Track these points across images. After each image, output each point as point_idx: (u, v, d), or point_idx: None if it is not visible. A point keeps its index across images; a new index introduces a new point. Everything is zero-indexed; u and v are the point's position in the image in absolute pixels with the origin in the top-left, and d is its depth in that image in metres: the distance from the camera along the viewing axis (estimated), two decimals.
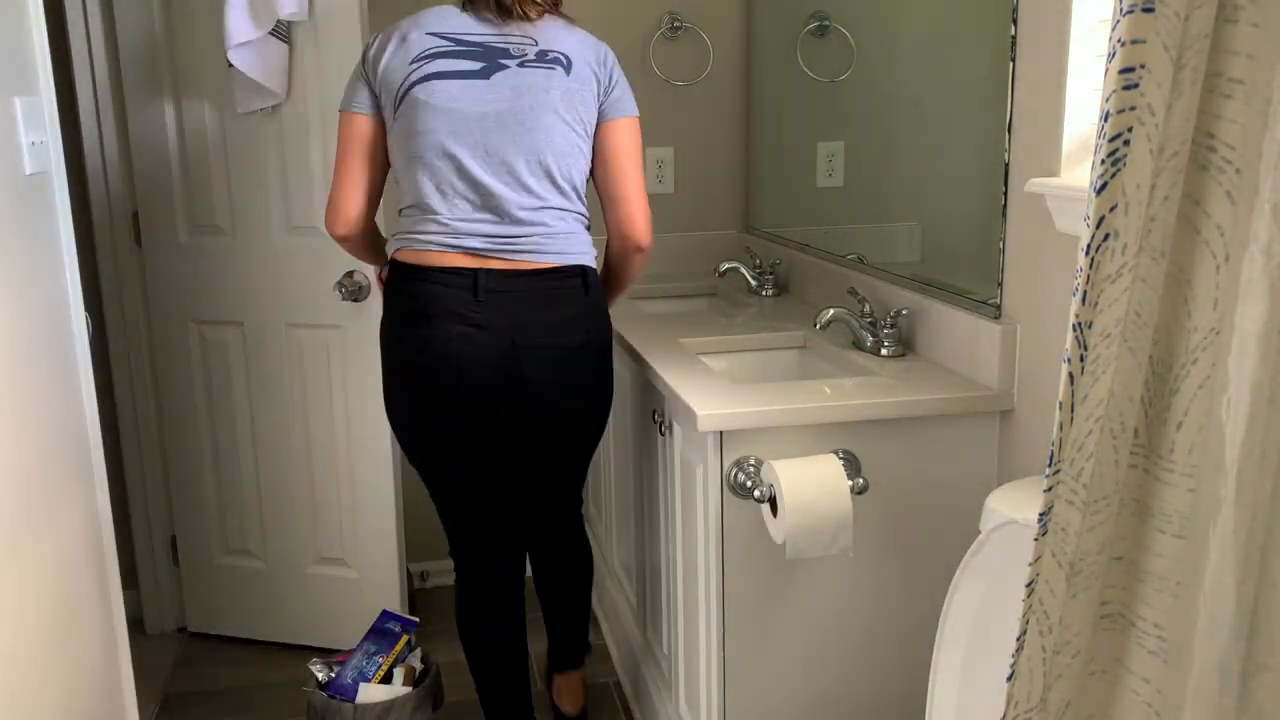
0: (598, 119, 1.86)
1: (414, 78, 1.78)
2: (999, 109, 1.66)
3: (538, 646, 2.63)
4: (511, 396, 1.84)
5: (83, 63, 2.47)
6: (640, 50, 2.82)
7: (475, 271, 1.79)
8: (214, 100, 2.41)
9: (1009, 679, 0.99)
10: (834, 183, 2.42)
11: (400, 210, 1.87)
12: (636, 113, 1.89)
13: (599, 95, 1.85)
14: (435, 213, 1.80)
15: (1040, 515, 0.95)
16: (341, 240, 1.91)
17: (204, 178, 2.46)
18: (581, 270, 1.86)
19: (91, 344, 1.72)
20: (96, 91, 2.49)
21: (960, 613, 1.36)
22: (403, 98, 1.79)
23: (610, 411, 2.03)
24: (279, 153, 2.40)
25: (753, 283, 2.62)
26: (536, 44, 1.81)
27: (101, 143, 2.51)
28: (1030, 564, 0.96)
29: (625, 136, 1.88)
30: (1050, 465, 0.93)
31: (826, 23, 2.38)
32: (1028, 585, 0.97)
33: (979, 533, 1.34)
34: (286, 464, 2.56)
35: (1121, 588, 0.96)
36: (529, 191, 1.80)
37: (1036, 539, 0.96)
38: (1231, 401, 0.82)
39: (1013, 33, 1.62)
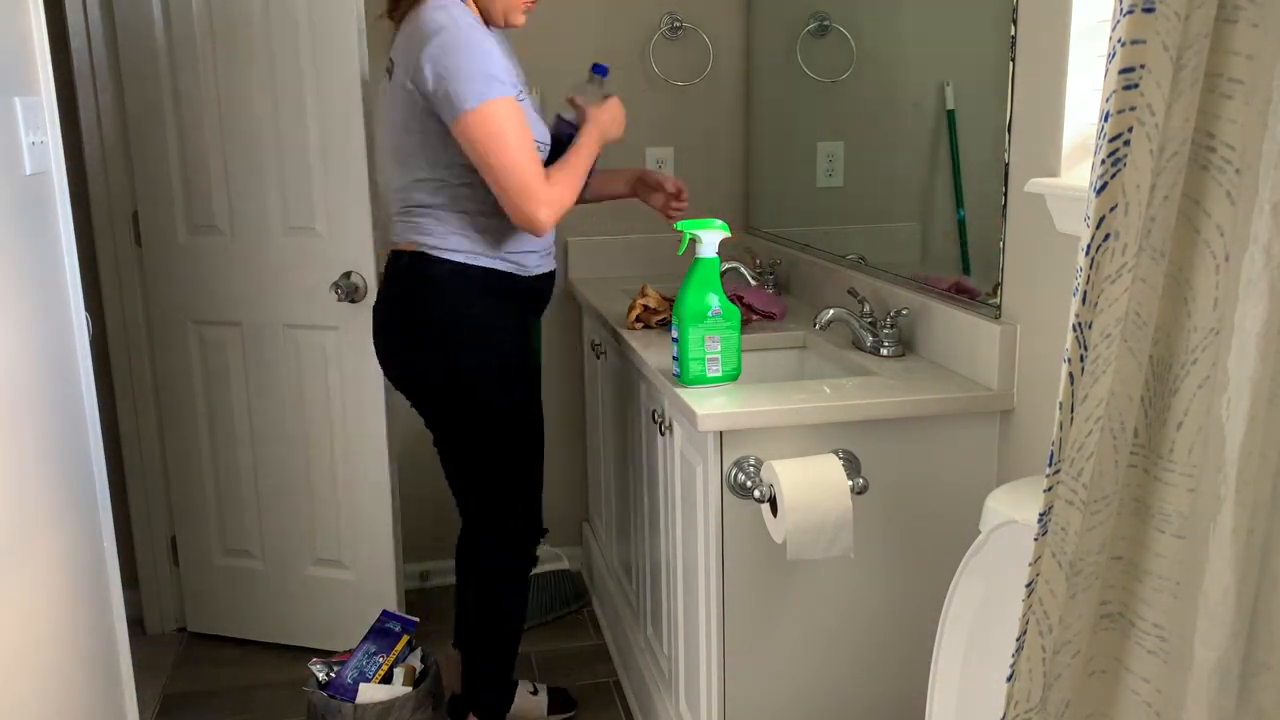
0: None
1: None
2: (999, 109, 1.66)
3: (535, 645, 2.64)
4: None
5: (83, 63, 2.47)
6: (640, 50, 2.82)
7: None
8: (213, 101, 2.41)
9: (1009, 679, 0.99)
10: (834, 183, 2.42)
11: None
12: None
13: None
14: None
15: (1040, 515, 0.95)
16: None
17: (203, 178, 2.46)
18: None
19: (91, 344, 1.72)
20: (96, 91, 2.49)
21: (960, 613, 1.36)
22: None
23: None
24: (278, 154, 2.40)
25: (753, 283, 2.61)
26: None
27: (102, 143, 2.51)
28: (1030, 564, 0.96)
29: None
30: (1050, 465, 0.93)
31: (826, 23, 2.38)
32: (1028, 585, 0.97)
33: (979, 533, 1.34)
34: (284, 464, 2.56)
35: (1121, 588, 0.96)
36: None
37: (1036, 539, 0.96)
38: (1231, 401, 0.82)
39: (1013, 33, 1.62)
